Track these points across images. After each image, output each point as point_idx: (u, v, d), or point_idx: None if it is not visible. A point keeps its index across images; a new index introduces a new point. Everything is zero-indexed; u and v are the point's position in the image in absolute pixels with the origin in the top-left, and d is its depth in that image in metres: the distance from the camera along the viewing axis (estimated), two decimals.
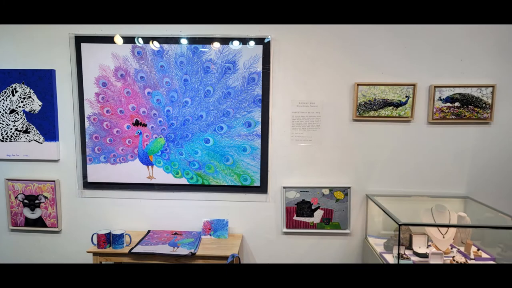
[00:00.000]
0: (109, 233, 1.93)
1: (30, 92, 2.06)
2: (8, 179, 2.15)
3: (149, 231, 2.15)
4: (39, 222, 2.18)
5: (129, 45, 2.00)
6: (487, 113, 1.95)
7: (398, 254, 1.67)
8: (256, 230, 2.16)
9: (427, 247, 1.87)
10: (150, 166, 2.11)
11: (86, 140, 2.10)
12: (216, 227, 2.08)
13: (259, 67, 1.98)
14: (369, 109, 1.98)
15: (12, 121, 2.09)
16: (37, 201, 2.15)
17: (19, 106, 2.08)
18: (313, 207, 2.08)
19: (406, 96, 1.96)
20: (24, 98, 2.07)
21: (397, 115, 1.98)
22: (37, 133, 2.10)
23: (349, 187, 2.06)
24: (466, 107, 1.95)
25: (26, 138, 2.11)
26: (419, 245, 1.87)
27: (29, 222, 2.18)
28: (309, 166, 2.07)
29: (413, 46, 1.94)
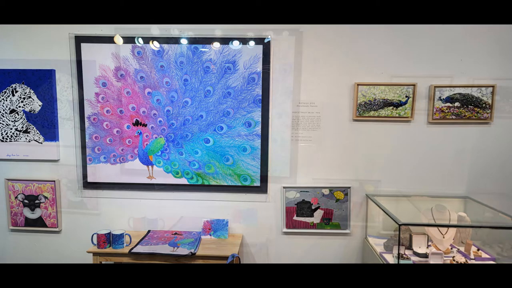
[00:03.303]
0: (109, 233, 1.93)
1: (30, 92, 2.06)
2: (8, 179, 2.15)
3: (149, 231, 2.15)
4: (39, 222, 2.18)
5: (129, 45, 2.00)
6: (487, 113, 1.95)
7: (398, 254, 1.67)
8: (256, 230, 2.16)
9: (427, 247, 1.87)
10: (150, 166, 2.11)
11: (86, 140, 2.10)
12: (216, 227, 2.08)
13: (259, 67, 1.98)
14: (369, 109, 1.98)
15: (12, 121, 2.09)
16: (37, 201, 2.15)
17: (19, 106, 2.08)
18: (313, 207, 2.08)
19: (406, 96, 1.96)
20: (24, 98, 2.07)
21: (397, 115, 1.98)
22: (37, 133, 2.10)
23: (349, 187, 2.06)
24: (466, 107, 1.95)
25: (26, 138, 2.11)
26: (419, 245, 1.87)
27: (29, 222, 2.18)
28: (309, 166, 2.07)
29: (413, 46, 1.94)
